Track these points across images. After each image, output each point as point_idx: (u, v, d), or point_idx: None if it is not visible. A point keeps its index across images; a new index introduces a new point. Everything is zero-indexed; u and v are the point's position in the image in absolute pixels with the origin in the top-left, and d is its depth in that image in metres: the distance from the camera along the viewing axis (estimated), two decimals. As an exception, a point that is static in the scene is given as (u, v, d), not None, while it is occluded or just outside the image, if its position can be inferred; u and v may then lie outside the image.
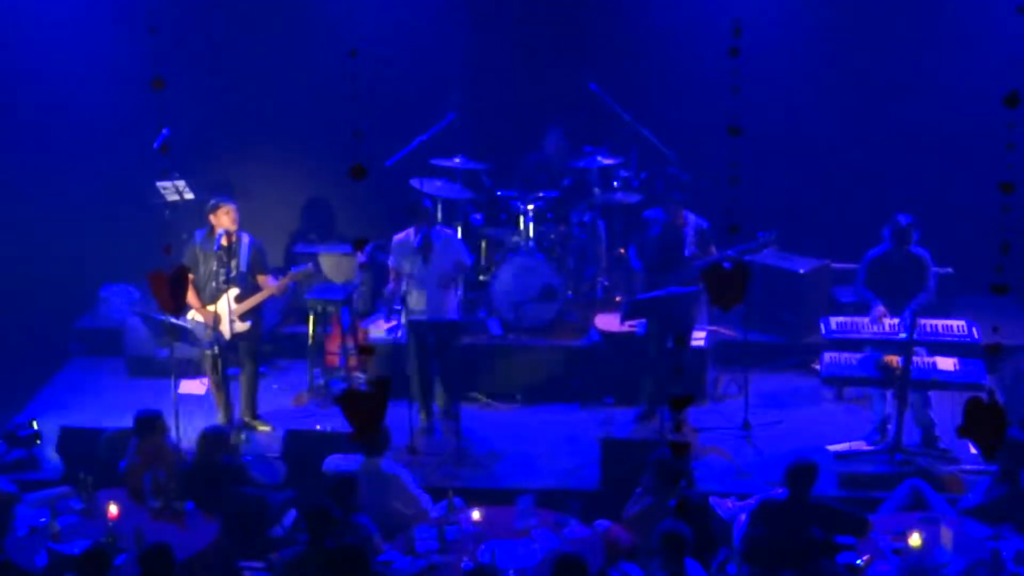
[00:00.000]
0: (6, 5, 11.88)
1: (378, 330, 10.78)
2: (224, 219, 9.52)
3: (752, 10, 10.53)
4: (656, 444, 8.58)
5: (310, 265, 10.37)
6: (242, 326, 9.72)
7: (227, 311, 9.56)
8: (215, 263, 9.60)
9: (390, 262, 10.05)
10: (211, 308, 9.59)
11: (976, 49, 11.20)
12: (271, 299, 10.02)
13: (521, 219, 10.91)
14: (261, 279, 9.78)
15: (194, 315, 9.64)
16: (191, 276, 9.21)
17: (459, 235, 10.64)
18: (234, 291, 9.59)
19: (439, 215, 10.99)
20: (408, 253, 9.88)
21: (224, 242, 9.50)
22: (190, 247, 9.66)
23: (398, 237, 10.00)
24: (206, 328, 9.59)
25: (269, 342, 11.21)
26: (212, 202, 9.63)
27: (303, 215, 12.64)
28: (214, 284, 9.61)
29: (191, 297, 9.43)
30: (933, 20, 11.57)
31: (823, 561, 7.16)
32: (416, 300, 9.87)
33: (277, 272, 10.38)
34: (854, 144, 11.83)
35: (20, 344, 11.32)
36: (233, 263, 9.55)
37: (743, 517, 7.73)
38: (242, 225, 9.76)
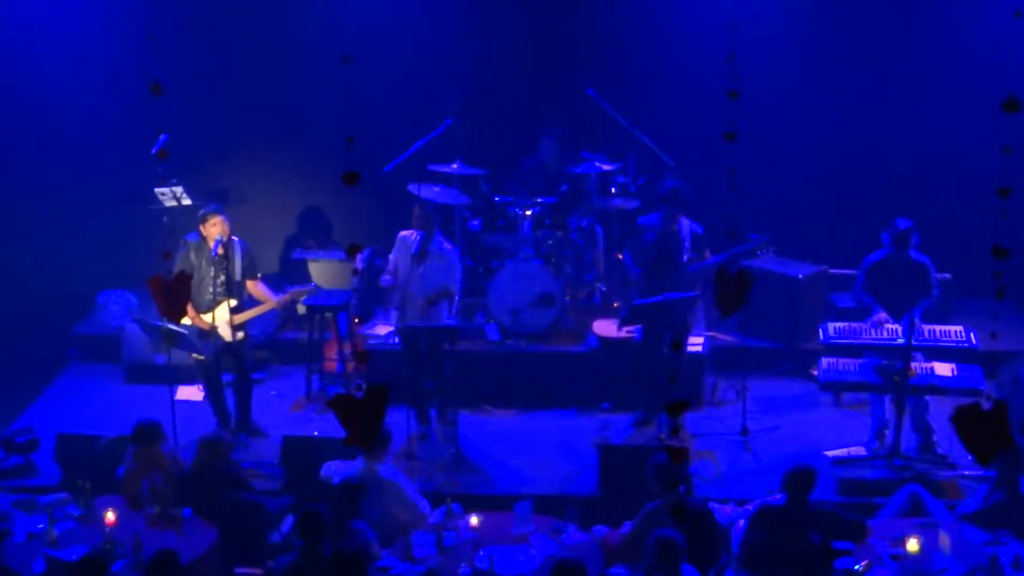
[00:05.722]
0: (5, 11, 11.88)
1: (376, 335, 10.77)
2: (213, 229, 9.48)
3: (750, 16, 10.54)
4: (654, 449, 8.58)
5: (314, 285, 10.38)
6: (235, 335, 9.68)
7: (224, 321, 9.53)
8: (212, 271, 9.58)
9: (391, 255, 10.05)
10: (206, 316, 9.58)
11: (973, 54, 11.21)
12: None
13: (519, 225, 10.91)
14: (251, 284, 9.77)
15: (190, 321, 9.62)
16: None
17: (455, 244, 10.48)
18: (232, 301, 9.56)
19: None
20: (406, 253, 9.89)
21: (220, 251, 9.49)
22: (184, 252, 9.63)
23: (404, 233, 10.02)
24: (202, 334, 9.57)
25: (267, 347, 11.22)
26: (201, 212, 9.61)
27: (301, 221, 12.62)
28: (210, 292, 9.59)
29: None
30: (931, 26, 11.58)
31: (821, 567, 7.15)
32: (407, 305, 9.86)
33: (275, 286, 10.35)
34: (852, 149, 11.84)
35: (18, 350, 11.30)
36: (229, 271, 9.53)
37: (741, 523, 7.73)
38: (238, 230, 9.74)
